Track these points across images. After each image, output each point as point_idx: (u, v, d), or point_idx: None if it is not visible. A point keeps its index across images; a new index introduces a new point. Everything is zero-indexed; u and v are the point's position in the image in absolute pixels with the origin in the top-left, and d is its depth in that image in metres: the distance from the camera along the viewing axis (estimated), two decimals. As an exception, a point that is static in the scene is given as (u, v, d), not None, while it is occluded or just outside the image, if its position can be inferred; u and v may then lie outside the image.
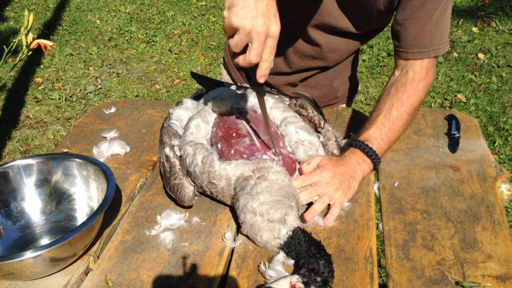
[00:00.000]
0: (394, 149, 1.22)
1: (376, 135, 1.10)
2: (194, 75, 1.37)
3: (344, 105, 1.55)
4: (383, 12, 1.18)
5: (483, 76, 3.43)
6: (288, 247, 0.90)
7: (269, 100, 1.19)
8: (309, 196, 1.02)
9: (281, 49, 1.36)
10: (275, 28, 0.84)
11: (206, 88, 1.34)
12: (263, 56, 0.86)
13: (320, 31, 1.27)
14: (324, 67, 1.39)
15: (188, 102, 1.28)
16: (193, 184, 1.04)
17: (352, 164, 1.06)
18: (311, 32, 1.27)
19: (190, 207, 1.05)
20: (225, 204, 1.06)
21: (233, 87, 1.29)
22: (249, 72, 0.92)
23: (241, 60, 0.87)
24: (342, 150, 1.12)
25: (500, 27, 4.04)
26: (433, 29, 1.11)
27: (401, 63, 1.17)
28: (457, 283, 0.85)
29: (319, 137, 1.14)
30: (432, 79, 1.17)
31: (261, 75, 0.88)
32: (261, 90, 0.95)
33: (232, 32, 0.85)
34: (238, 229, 1.01)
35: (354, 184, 1.06)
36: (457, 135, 1.24)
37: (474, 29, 4.08)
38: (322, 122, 1.16)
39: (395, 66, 1.20)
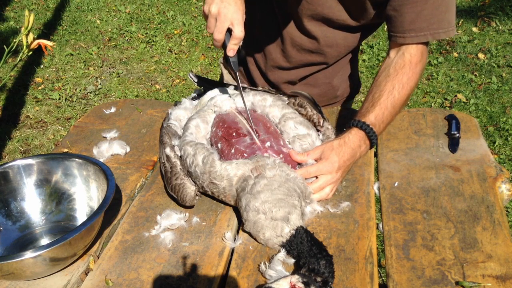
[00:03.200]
0: (394, 149, 1.22)
1: (379, 118, 1.12)
2: (192, 76, 1.37)
3: (344, 105, 1.54)
4: (378, 2, 1.18)
5: (483, 76, 3.43)
6: (290, 245, 0.90)
7: (268, 98, 1.19)
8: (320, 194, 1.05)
9: (279, 41, 1.36)
10: (236, 11, 1.03)
11: (204, 88, 1.34)
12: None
13: (316, 22, 1.27)
14: (323, 63, 1.38)
15: (187, 102, 1.28)
16: (194, 184, 1.04)
17: (356, 146, 1.09)
18: (307, 24, 1.27)
19: (191, 207, 1.05)
20: (226, 204, 1.06)
21: (231, 87, 1.29)
22: (224, 52, 1.09)
23: (213, 41, 1.07)
24: (346, 127, 1.14)
25: (500, 27, 4.04)
26: (430, 13, 1.11)
27: (396, 46, 1.18)
28: (457, 283, 0.85)
29: (318, 135, 1.14)
30: (425, 63, 1.19)
31: (229, 49, 1.07)
32: (233, 65, 1.09)
33: (206, 17, 1.06)
34: (239, 229, 1.01)
35: (350, 168, 1.12)
36: (457, 135, 1.24)
37: (474, 29, 4.08)
38: (321, 121, 1.16)
39: (389, 48, 1.21)
